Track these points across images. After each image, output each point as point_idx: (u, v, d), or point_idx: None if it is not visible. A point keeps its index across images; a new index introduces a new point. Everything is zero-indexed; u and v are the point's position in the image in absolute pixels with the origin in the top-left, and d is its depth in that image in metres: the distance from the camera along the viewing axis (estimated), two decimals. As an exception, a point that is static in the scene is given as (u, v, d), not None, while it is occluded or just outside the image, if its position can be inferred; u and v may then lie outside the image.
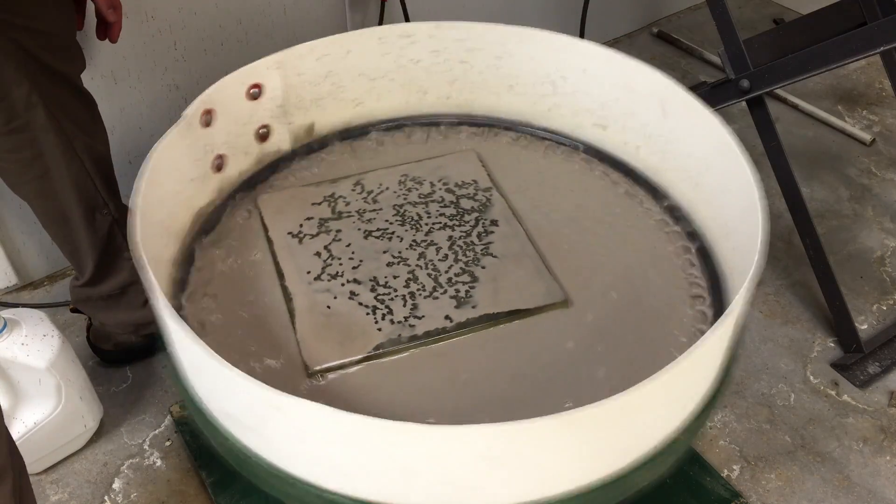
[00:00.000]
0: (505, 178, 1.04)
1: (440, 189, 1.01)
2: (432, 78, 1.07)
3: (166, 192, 0.85)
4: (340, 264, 0.90)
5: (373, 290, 0.88)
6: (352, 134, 1.08)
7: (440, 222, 0.97)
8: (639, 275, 0.93)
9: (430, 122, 1.11)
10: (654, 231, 0.99)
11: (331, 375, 0.80)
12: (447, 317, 0.85)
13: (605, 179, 1.05)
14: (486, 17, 1.77)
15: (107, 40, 1.09)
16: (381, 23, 1.58)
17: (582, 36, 1.82)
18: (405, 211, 0.98)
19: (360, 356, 0.81)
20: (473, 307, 0.87)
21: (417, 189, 1.01)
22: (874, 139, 1.78)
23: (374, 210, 0.97)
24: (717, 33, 1.30)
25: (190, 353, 0.69)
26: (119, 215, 1.13)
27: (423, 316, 0.85)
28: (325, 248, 0.92)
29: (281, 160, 1.04)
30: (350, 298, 0.86)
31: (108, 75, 1.29)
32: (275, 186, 1.01)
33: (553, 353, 0.84)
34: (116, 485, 1.15)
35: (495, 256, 0.93)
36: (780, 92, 1.87)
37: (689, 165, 0.97)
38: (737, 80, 1.29)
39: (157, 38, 1.31)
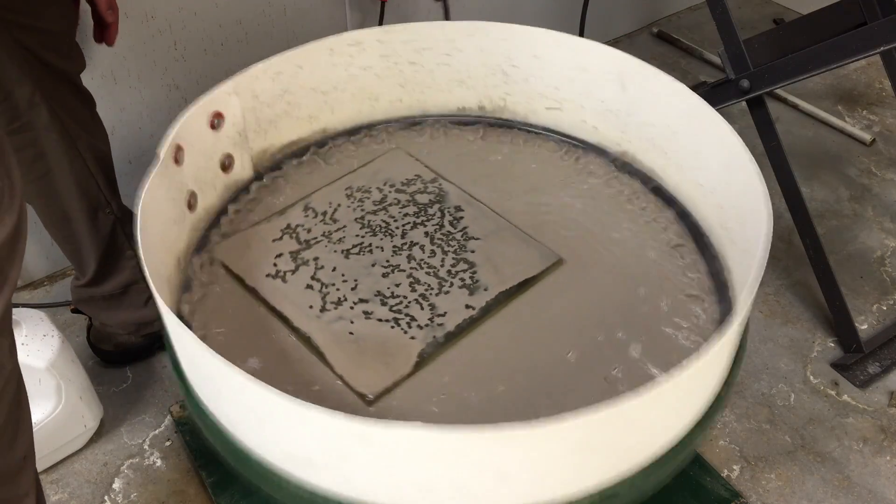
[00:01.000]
0: (446, 167, 1.05)
1: (390, 191, 1.01)
2: (383, 83, 1.06)
3: (154, 236, 0.81)
4: (338, 290, 0.88)
5: (384, 303, 0.87)
6: (291, 156, 1.06)
7: (409, 222, 0.96)
8: (617, 231, 0.96)
9: (376, 130, 1.10)
10: (621, 195, 1.01)
11: (387, 397, 0.78)
12: (468, 306, 0.86)
13: (561, 157, 1.06)
14: (486, 15, 1.76)
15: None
16: (381, 23, 1.58)
17: (581, 36, 1.82)
18: (369, 221, 0.97)
19: (409, 369, 0.80)
20: (485, 290, 0.88)
21: (368, 197, 1.00)
22: (874, 139, 1.78)
23: (339, 229, 0.96)
24: (717, 33, 1.30)
25: (257, 401, 0.64)
26: (122, 214, 1.13)
27: (446, 312, 0.85)
28: (313, 278, 0.90)
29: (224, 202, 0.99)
30: (367, 318, 0.85)
31: (107, 75, 1.29)
32: (223, 232, 0.96)
33: (573, 308, 0.88)
34: (116, 485, 1.15)
35: (477, 238, 0.94)
36: (780, 92, 1.87)
37: (654, 134, 1.00)
38: (737, 80, 1.29)
39: (157, 38, 1.31)
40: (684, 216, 0.97)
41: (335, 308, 0.86)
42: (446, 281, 0.89)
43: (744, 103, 1.32)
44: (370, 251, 0.93)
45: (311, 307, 0.87)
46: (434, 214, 0.97)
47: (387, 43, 1.03)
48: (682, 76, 1.97)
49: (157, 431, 1.22)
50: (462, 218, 0.97)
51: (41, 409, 1.10)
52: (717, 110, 0.89)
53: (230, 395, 0.70)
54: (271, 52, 0.98)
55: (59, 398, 1.10)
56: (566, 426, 0.59)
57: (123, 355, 1.29)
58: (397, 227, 0.96)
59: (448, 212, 0.97)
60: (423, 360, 0.81)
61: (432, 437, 0.59)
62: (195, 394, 0.77)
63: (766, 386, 1.29)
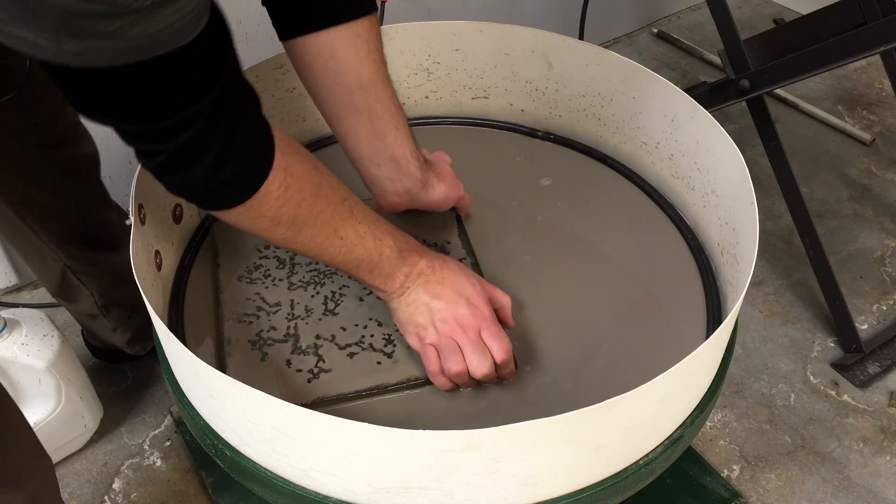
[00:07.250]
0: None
1: None
2: (308, 101, 1.00)
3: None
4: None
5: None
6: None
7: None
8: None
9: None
10: (566, 160, 1.02)
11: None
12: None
13: (488, 142, 1.06)
14: (487, 16, 1.76)
15: None
16: (381, 22, 1.57)
17: (581, 37, 1.82)
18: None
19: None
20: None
21: None
22: (874, 139, 1.78)
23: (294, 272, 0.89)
24: (717, 33, 1.30)
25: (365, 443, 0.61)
26: (71, 262, 1.08)
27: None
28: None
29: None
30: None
31: (108, 75, 1.29)
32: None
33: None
34: (116, 485, 1.15)
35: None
36: (780, 92, 1.87)
37: (586, 104, 1.01)
38: (737, 80, 1.29)
39: (157, 38, 1.31)
40: (635, 177, 1.00)
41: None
42: None
43: (744, 103, 1.32)
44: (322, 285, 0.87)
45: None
46: None
47: None
48: (681, 76, 1.97)
49: (157, 431, 1.22)
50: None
51: (41, 409, 1.10)
52: (717, 110, 0.90)
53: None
54: (271, 53, 0.97)
55: (59, 398, 1.10)
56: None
57: (118, 353, 1.28)
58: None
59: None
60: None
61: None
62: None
63: (766, 386, 1.29)
